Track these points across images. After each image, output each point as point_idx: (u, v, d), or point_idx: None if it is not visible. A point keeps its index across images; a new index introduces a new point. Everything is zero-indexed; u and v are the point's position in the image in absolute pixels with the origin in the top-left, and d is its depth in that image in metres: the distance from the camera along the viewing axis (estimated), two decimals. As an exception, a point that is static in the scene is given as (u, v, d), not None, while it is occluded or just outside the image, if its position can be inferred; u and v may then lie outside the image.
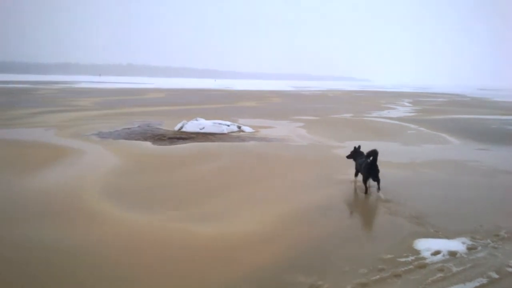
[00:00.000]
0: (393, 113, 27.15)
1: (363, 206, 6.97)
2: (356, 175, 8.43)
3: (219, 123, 15.91)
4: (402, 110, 30.63)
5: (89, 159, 10.29)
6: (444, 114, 27.07)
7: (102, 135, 14.02)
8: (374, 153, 7.74)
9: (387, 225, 6.09)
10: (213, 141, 13.51)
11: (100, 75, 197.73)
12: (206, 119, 17.15)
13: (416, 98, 51.90)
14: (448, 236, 5.55)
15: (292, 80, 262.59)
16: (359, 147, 8.75)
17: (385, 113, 27.42)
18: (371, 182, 7.78)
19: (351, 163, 8.73)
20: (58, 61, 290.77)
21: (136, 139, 13.44)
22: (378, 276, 4.45)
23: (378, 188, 7.73)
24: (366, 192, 7.68)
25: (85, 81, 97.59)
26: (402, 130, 17.89)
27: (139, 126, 16.61)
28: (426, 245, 5.19)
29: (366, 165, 7.76)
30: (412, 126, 19.34)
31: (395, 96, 55.49)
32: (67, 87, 58.60)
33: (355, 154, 8.61)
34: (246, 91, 64.03)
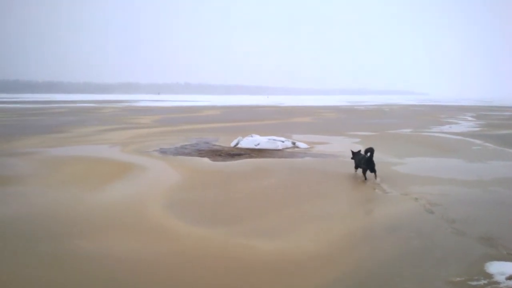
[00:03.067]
0: (455, 128, 25.93)
1: (428, 226, 6.67)
2: (356, 168, 10.80)
3: (274, 139, 16.01)
4: (465, 124, 29.16)
5: (152, 174, 10.74)
6: (511, 129, 25.44)
7: (162, 152, 14.59)
8: (371, 150, 9.92)
9: (455, 246, 5.79)
10: (268, 157, 13.61)
11: (159, 93, 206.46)
12: (261, 135, 17.32)
13: (480, 112, 49.24)
14: (523, 260, 5.18)
15: (346, 95, 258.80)
16: (359, 151, 11.00)
17: (446, 128, 26.25)
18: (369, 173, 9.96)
19: (416, 181, 9.66)
20: (120, 81, 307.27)
21: (194, 155, 13.85)
22: (448, 300, 4.24)
23: (376, 177, 9.96)
24: (365, 179, 9.96)
25: (145, 99, 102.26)
26: (466, 145, 17.02)
27: (196, 143, 17.11)
28: (500, 269, 4.87)
29: (365, 160, 10.01)
30: (477, 141, 18.35)
31: (456, 110, 53.03)
32: (129, 106, 61.71)
33: (355, 155, 10.90)
34: (299, 106, 64.02)
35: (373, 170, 9.89)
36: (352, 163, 11.06)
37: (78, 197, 8.45)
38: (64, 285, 4.70)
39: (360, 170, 10.44)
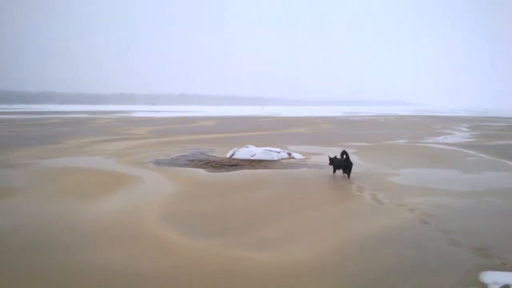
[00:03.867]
0: (450, 139, 26.10)
1: (422, 236, 6.70)
2: (334, 171, 12.32)
3: (270, 150, 16.04)
4: (460, 135, 29.36)
5: (147, 186, 10.71)
6: (506, 139, 25.63)
7: (157, 163, 14.56)
8: (345, 153, 11.86)
9: (450, 256, 5.81)
10: (264, 168, 13.62)
11: (154, 104, 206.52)
12: (256, 146, 17.36)
13: (475, 122, 49.60)
14: (518, 270, 5.21)
15: (342, 105, 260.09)
16: (335, 156, 12.34)
17: (441, 138, 26.41)
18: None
19: (411, 192, 9.88)
20: (115, 91, 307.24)
21: (189, 166, 13.84)
22: (443, 311, 4.25)
23: (348, 177, 11.76)
24: (348, 177, 11.74)
25: (140, 110, 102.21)
26: (461, 156, 17.13)
27: (192, 154, 17.10)
28: (494, 278, 4.90)
29: (342, 162, 11.86)
30: (471, 152, 18.47)
31: (452, 121, 53.42)
32: (123, 117, 61.65)
33: (332, 160, 12.34)
34: (295, 117, 64.24)
35: (347, 170, 11.79)
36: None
37: (73, 209, 8.40)
38: (58, 298, 4.66)
39: (338, 172, 12.29)
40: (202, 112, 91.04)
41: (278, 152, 16.01)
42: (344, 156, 11.86)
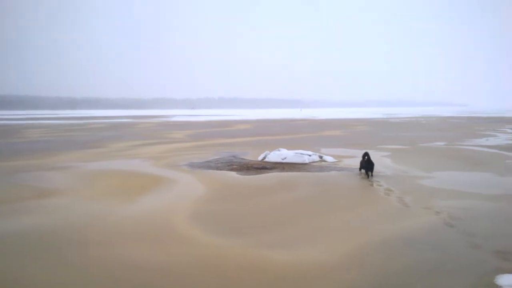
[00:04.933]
0: (492, 141, 25.18)
1: (445, 239, 6.72)
2: (360, 169, 13.17)
3: (301, 153, 16.21)
4: (503, 137, 28.22)
5: (181, 188, 11.22)
6: (552, 141, 24.46)
7: (192, 166, 15.11)
8: (367, 154, 12.81)
9: (470, 259, 5.84)
10: (294, 170, 13.83)
11: (193, 108, 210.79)
12: (289, 149, 17.58)
13: (521, 123, 47.40)
14: (536, 273, 5.19)
15: (382, 107, 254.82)
16: (366, 154, 12.88)
17: (482, 140, 25.54)
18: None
19: (440, 195, 9.96)
20: (156, 96, 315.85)
21: (222, 169, 14.28)
22: (452, 310, 4.36)
23: (372, 175, 12.48)
24: (367, 177, 12.39)
25: (179, 114, 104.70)
26: (500, 159, 16.60)
27: (226, 157, 17.56)
28: (510, 281, 4.91)
29: (364, 162, 12.70)
30: (512, 154, 17.84)
31: (496, 122, 51.26)
32: (163, 121, 63.47)
33: (363, 161, 12.93)
34: (332, 119, 63.76)
35: (369, 170, 12.53)
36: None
37: (112, 209, 9.01)
38: (92, 289, 5.14)
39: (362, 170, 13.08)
40: (240, 115, 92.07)
41: (309, 155, 16.15)
42: (366, 158, 12.65)
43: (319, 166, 14.77)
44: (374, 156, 16.09)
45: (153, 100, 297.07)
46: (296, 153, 16.25)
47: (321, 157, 16.39)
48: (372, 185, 11.37)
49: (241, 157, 17.47)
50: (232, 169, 14.25)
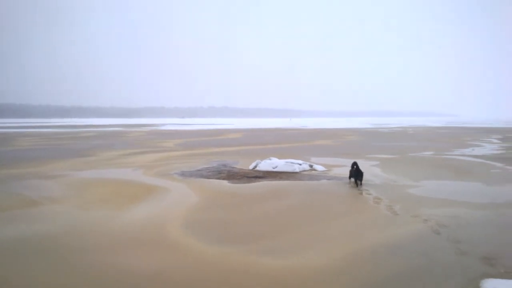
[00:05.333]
0: (478, 151, 25.65)
1: (432, 246, 6.90)
2: (349, 178, 13.35)
3: (291, 162, 16.39)
4: (489, 147, 28.77)
5: (172, 196, 11.29)
6: (537, 151, 25.00)
7: (183, 174, 15.17)
8: (355, 163, 13.05)
9: (456, 265, 6.02)
10: (285, 179, 13.98)
11: (183, 117, 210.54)
12: (280, 158, 17.74)
13: (507, 134, 48.24)
14: (519, 278, 5.38)
15: (373, 117, 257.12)
16: (355, 164, 13.14)
17: (469, 150, 26.00)
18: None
19: (428, 203, 10.18)
20: (146, 105, 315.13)
21: (213, 178, 14.37)
22: (439, 313, 4.51)
23: (361, 184, 12.72)
24: (356, 186, 12.66)
25: (169, 123, 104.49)
26: (486, 168, 16.94)
27: (216, 166, 17.65)
28: (494, 285, 5.12)
29: (353, 171, 12.98)
30: (498, 164, 18.21)
31: (484, 132, 52.11)
32: (154, 130, 63.34)
33: (352, 171, 13.18)
34: (322, 129, 64.21)
35: (358, 178, 12.81)
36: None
37: (104, 217, 9.05)
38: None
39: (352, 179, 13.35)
40: (230, 124, 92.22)
41: (300, 164, 16.33)
42: (355, 167, 12.96)
43: (310, 175, 14.94)
44: (363, 165, 16.35)
45: (144, 109, 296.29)
46: (287, 162, 16.42)
47: (311, 166, 16.57)
48: (361, 193, 11.56)
49: (232, 166, 17.57)
50: (223, 178, 14.35)
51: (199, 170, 16.43)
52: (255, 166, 16.62)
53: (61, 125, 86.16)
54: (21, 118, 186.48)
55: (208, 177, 14.64)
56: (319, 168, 16.41)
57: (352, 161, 13.93)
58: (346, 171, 15.58)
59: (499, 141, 34.88)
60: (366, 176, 13.37)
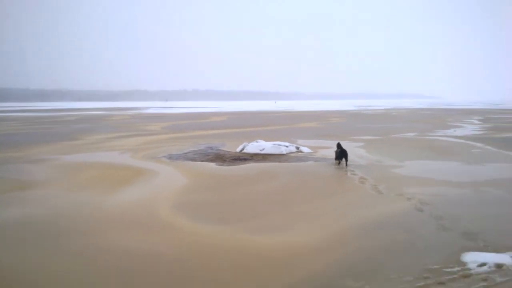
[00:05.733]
0: (460, 132, 26.29)
1: (416, 222, 7.21)
2: (336, 159, 13.53)
3: (278, 144, 16.58)
4: (470, 128, 29.49)
5: (161, 179, 11.39)
6: (515, 131, 25.73)
7: (171, 157, 15.25)
8: (340, 145, 13.64)
9: (438, 240, 6.33)
10: (273, 161, 14.19)
11: (167, 100, 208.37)
12: (266, 140, 17.91)
13: (488, 115, 49.33)
14: (497, 250, 5.72)
15: (356, 99, 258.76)
16: (339, 145, 13.84)
17: (451, 131, 26.62)
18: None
19: (411, 183, 10.52)
20: (128, 88, 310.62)
21: (201, 160, 14.49)
22: (422, 283, 4.81)
23: (346, 165, 13.03)
24: (339, 164, 13.26)
25: (153, 107, 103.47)
26: (467, 149, 17.43)
27: (203, 149, 17.75)
28: (474, 258, 5.41)
29: (339, 152, 13.32)
30: (478, 144, 18.75)
31: (465, 114, 53.17)
32: (138, 113, 62.75)
33: (337, 151, 13.56)
34: (307, 112, 64.54)
35: (345, 158, 13.23)
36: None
37: (95, 199, 9.13)
38: (80, 276, 5.33)
39: (343, 163, 13.47)
40: (215, 107, 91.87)
41: (287, 146, 16.54)
42: (339, 149, 13.48)
43: (296, 157, 15.18)
44: (348, 147, 16.67)
45: (126, 92, 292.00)
46: (274, 144, 16.61)
47: (298, 148, 16.81)
48: (347, 174, 11.85)
49: (219, 149, 17.70)
50: (211, 160, 14.48)
51: (186, 153, 16.51)
52: (243, 149, 16.77)
53: (42, 109, 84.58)
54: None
55: (196, 159, 14.75)
56: (305, 150, 16.65)
57: (337, 142, 14.20)
58: (331, 152, 15.85)
59: (480, 122, 35.70)
60: (351, 157, 13.67)
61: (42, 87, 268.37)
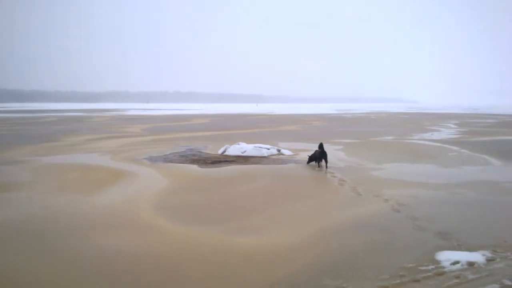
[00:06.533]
0: (436, 135, 26.90)
1: (392, 223, 7.41)
2: (309, 162, 13.82)
3: (260, 147, 16.71)
4: (447, 132, 30.20)
5: (142, 180, 11.35)
6: (490, 135, 26.51)
7: (152, 159, 15.19)
8: (322, 146, 13.70)
9: (414, 239, 6.54)
10: (254, 163, 14.30)
11: (148, 102, 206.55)
12: (248, 143, 18.01)
13: (464, 119, 50.57)
14: (470, 249, 5.96)
15: (337, 103, 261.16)
16: (316, 151, 13.81)
17: (428, 135, 27.21)
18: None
19: (389, 185, 10.75)
20: (108, 89, 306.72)
21: (183, 163, 14.48)
22: (398, 281, 4.98)
23: (326, 167, 13.16)
24: (319, 166, 13.41)
25: (134, 108, 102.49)
26: (443, 152, 17.90)
27: (185, 151, 17.73)
28: (447, 257, 5.62)
29: (319, 153, 13.44)
30: (454, 148, 19.25)
31: (442, 118, 54.35)
32: (118, 115, 62.06)
33: (313, 156, 13.71)
34: (288, 115, 64.94)
35: (325, 160, 13.32)
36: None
37: (75, 201, 9.04)
38: (65, 278, 5.31)
39: (322, 166, 13.51)
40: (196, 110, 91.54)
41: (268, 149, 16.68)
42: (321, 149, 13.68)
43: (278, 159, 15.33)
44: (328, 150, 16.85)
45: (105, 94, 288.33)
46: (255, 146, 16.72)
47: (279, 150, 16.96)
48: (327, 176, 12.05)
49: (201, 151, 17.71)
50: (192, 162, 14.49)
51: (167, 155, 16.47)
52: (224, 151, 16.83)
53: (19, 110, 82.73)
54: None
55: (177, 161, 14.73)
56: (286, 152, 16.82)
57: (317, 145, 14.39)
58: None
59: (456, 126, 36.61)
60: (331, 160, 13.89)
61: (20, 88, 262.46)
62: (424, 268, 5.35)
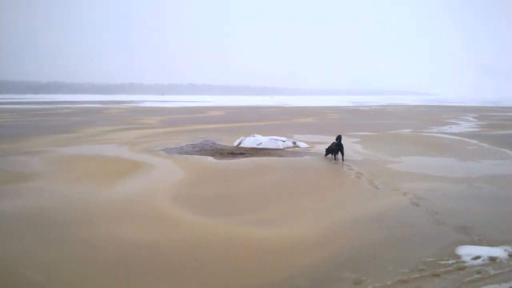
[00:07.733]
0: (455, 128, 26.46)
1: (411, 217, 7.32)
2: (326, 154, 13.71)
3: (275, 139, 16.66)
4: (465, 125, 29.68)
5: (159, 171, 11.43)
6: (510, 129, 25.96)
7: (168, 151, 15.28)
8: (339, 138, 13.37)
9: (433, 234, 6.44)
10: (270, 156, 14.27)
11: (162, 94, 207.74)
12: (263, 135, 17.97)
13: (483, 112, 49.63)
14: (491, 244, 5.84)
15: (352, 95, 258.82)
16: (333, 142, 13.57)
17: (446, 128, 26.79)
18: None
19: (407, 178, 10.61)
20: (124, 82, 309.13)
21: (199, 154, 14.54)
22: (418, 275, 4.91)
23: (342, 160, 13.04)
24: (335, 158, 13.23)
25: (149, 100, 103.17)
26: (462, 145, 17.60)
27: (201, 142, 17.79)
28: (468, 251, 5.53)
29: (336, 146, 13.15)
30: (473, 141, 18.91)
31: (460, 111, 53.44)
32: (134, 107, 62.54)
33: (329, 148, 13.54)
34: (303, 107, 64.63)
35: (342, 152, 13.11)
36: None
37: (92, 192, 9.16)
38: (83, 266, 5.39)
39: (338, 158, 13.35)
40: (211, 102, 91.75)
41: (284, 141, 16.62)
42: (338, 140, 13.37)
43: (293, 152, 15.27)
44: (345, 142, 16.71)
45: (121, 86, 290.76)
46: (271, 139, 16.68)
47: (294, 143, 16.89)
48: (343, 168, 11.96)
49: (216, 143, 17.75)
50: (208, 154, 14.53)
51: (183, 146, 16.55)
52: (240, 143, 16.83)
53: (37, 102, 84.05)
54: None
55: (193, 153, 14.80)
56: (302, 145, 16.74)
57: (334, 138, 14.26)
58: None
59: (475, 120, 35.94)
60: (347, 153, 13.77)
61: (38, 80, 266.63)
62: (444, 262, 5.26)
